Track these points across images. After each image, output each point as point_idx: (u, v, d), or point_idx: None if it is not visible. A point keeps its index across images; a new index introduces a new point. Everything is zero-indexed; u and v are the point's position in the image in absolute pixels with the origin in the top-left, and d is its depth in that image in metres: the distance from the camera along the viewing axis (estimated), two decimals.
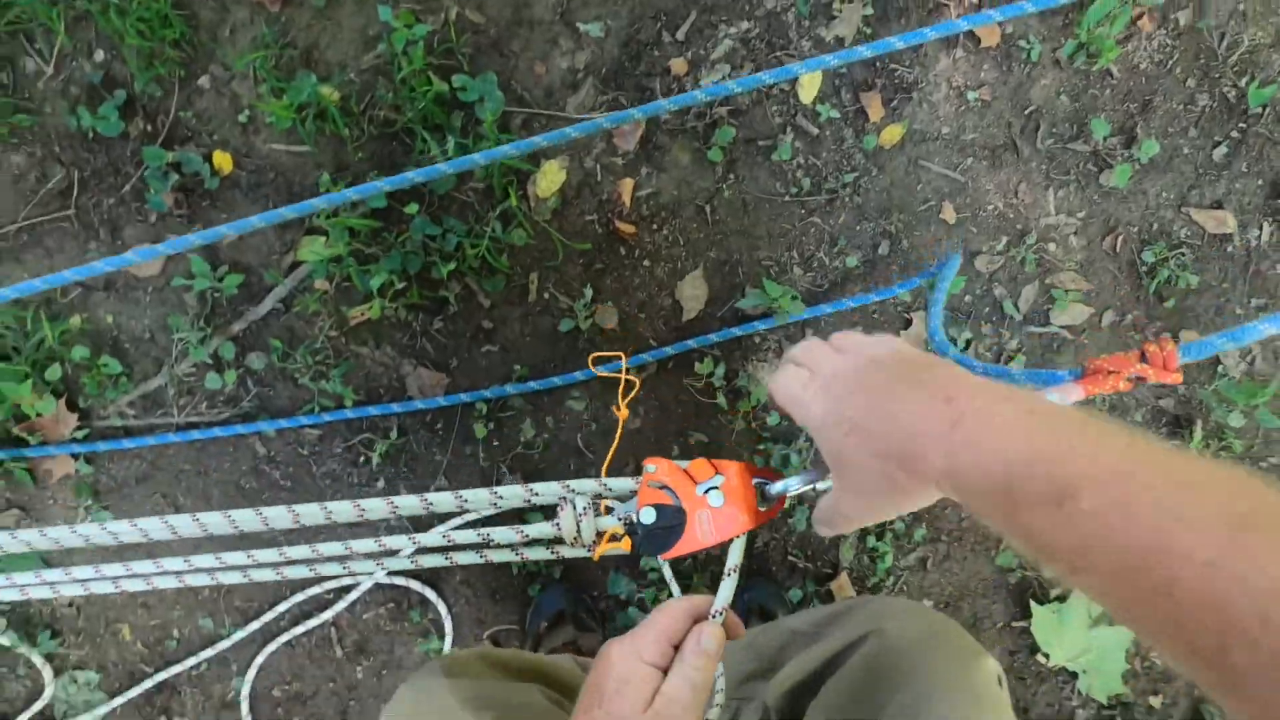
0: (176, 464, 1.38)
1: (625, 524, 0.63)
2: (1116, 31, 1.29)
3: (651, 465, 0.60)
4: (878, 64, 1.33)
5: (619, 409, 0.69)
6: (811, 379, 0.54)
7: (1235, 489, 0.35)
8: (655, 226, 1.35)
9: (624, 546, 0.64)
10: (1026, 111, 1.35)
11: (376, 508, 0.66)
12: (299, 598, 1.39)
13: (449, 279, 1.31)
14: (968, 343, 1.36)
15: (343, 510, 0.65)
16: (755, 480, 0.60)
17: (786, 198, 1.35)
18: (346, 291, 1.34)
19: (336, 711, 1.43)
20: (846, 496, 0.52)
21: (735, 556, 0.59)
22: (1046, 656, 1.42)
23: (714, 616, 0.56)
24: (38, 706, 1.39)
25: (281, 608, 1.39)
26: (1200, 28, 1.32)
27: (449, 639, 1.39)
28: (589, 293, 1.34)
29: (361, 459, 1.37)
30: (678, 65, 1.32)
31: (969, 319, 1.37)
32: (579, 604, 1.35)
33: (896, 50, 1.20)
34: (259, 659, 1.40)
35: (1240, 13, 1.32)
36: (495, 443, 1.37)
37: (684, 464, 0.60)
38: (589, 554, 0.68)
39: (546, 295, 1.35)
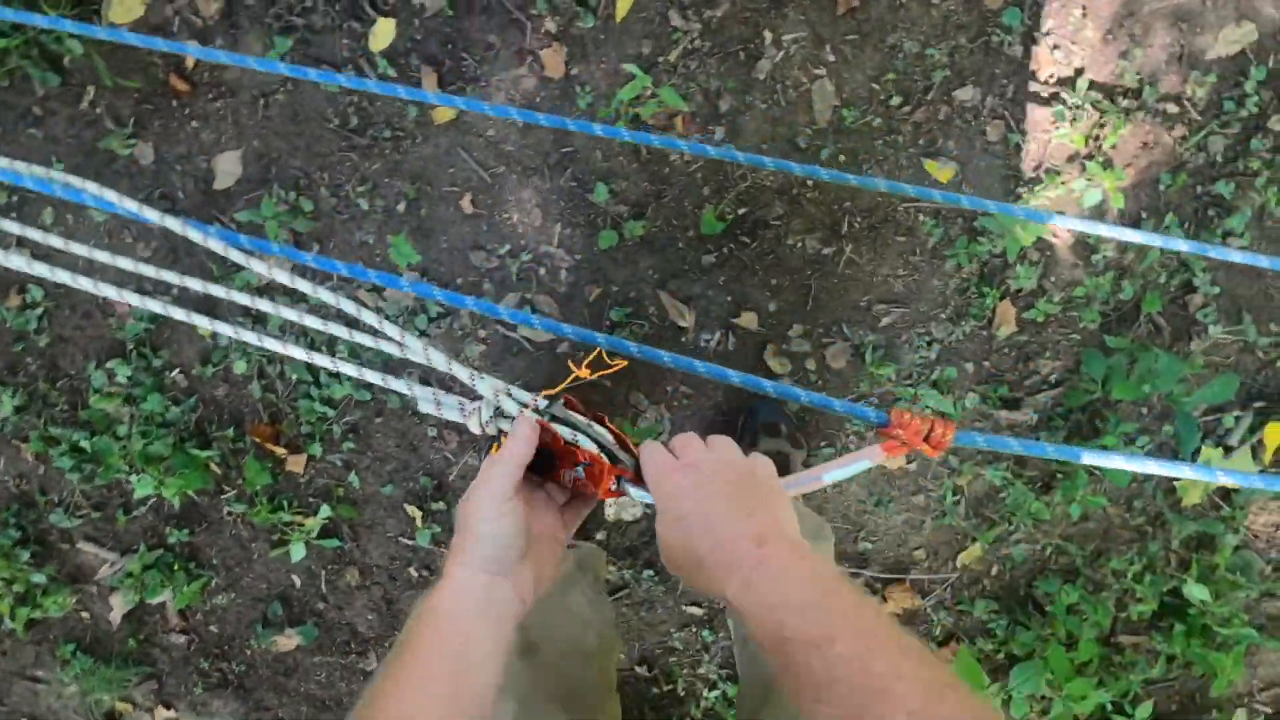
0: None
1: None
2: (647, 112, 1.43)
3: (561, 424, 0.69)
4: (451, 45, 1.43)
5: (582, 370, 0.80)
6: (679, 465, 0.64)
7: (933, 663, 0.50)
8: (211, 96, 1.48)
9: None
10: (565, 150, 1.49)
11: None
12: None
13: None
14: (431, 319, 1.56)
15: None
16: (615, 479, 0.69)
17: (333, 125, 1.48)
18: None
19: None
20: (666, 556, 0.64)
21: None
22: None
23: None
24: None
25: None
26: (716, 155, 1.47)
27: None
28: (131, 125, 1.47)
29: None
30: None
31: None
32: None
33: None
34: None
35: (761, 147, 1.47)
36: None
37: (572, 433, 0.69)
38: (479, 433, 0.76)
39: (99, 110, 1.48)
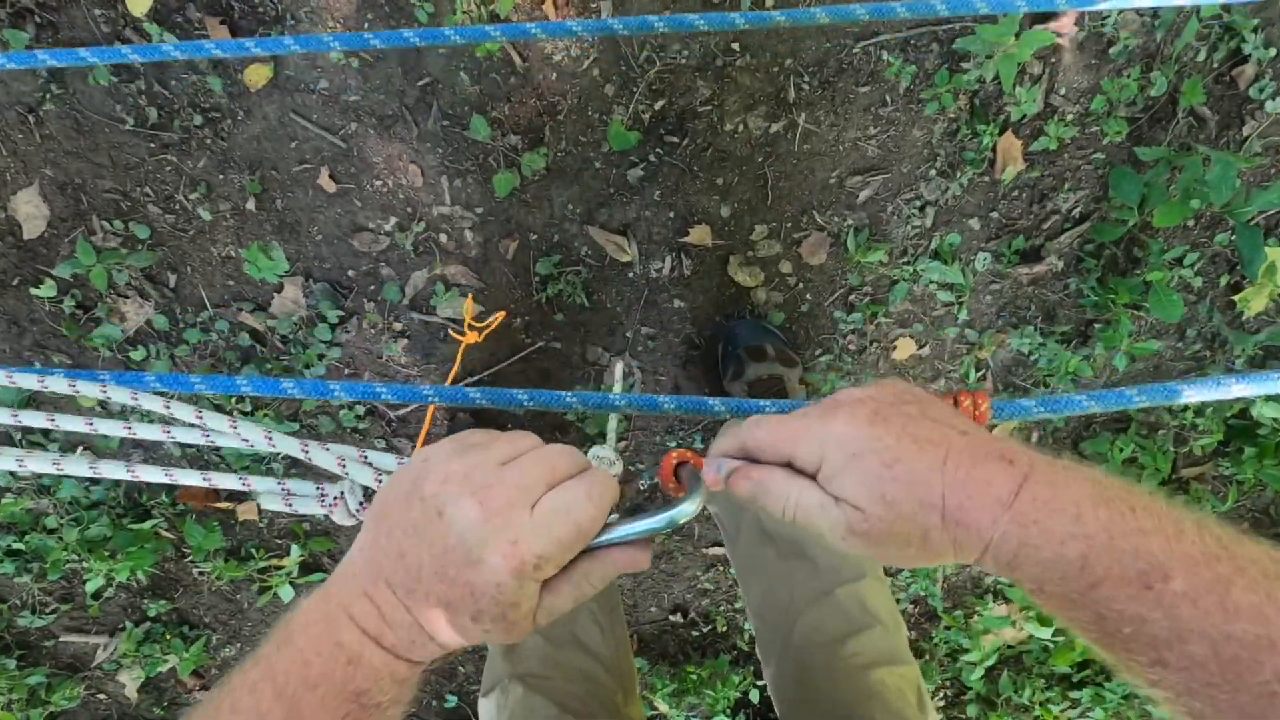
0: None
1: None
2: (505, 6, 1.08)
3: None
4: None
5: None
6: (830, 405, 0.45)
7: None
8: None
9: None
10: (421, 83, 1.17)
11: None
12: None
13: None
14: (340, 319, 1.32)
15: None
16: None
17: (129, 125, 1.16)
18: None
19: None
20: (866, 525, 0.42)
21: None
22: None
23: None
24: None
25: None
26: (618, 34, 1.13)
27: None
28: None
29: None
30: None
31: (350, 294, 1.31)
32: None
33: None
34: None
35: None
36: None
37: None
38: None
39: None
